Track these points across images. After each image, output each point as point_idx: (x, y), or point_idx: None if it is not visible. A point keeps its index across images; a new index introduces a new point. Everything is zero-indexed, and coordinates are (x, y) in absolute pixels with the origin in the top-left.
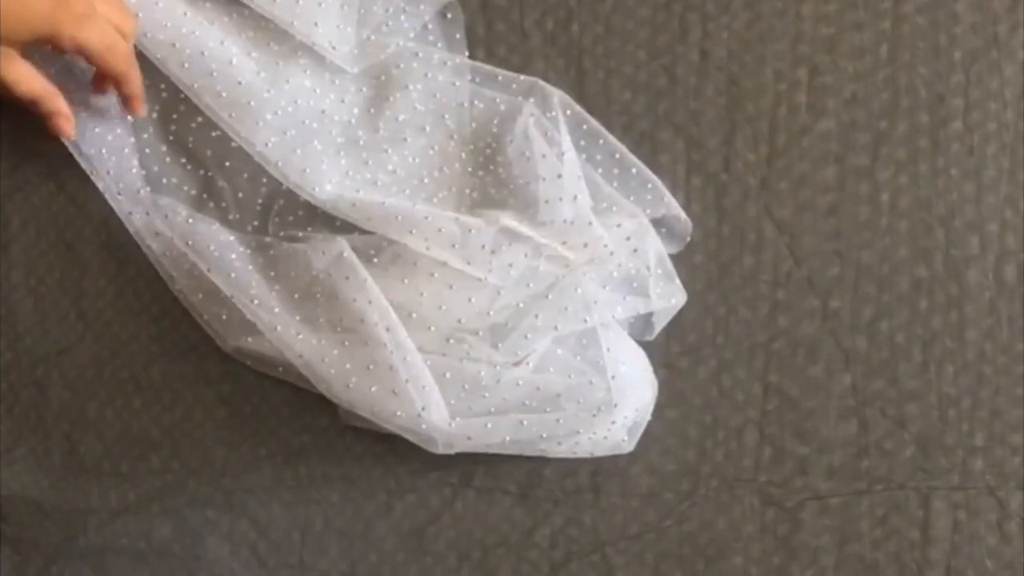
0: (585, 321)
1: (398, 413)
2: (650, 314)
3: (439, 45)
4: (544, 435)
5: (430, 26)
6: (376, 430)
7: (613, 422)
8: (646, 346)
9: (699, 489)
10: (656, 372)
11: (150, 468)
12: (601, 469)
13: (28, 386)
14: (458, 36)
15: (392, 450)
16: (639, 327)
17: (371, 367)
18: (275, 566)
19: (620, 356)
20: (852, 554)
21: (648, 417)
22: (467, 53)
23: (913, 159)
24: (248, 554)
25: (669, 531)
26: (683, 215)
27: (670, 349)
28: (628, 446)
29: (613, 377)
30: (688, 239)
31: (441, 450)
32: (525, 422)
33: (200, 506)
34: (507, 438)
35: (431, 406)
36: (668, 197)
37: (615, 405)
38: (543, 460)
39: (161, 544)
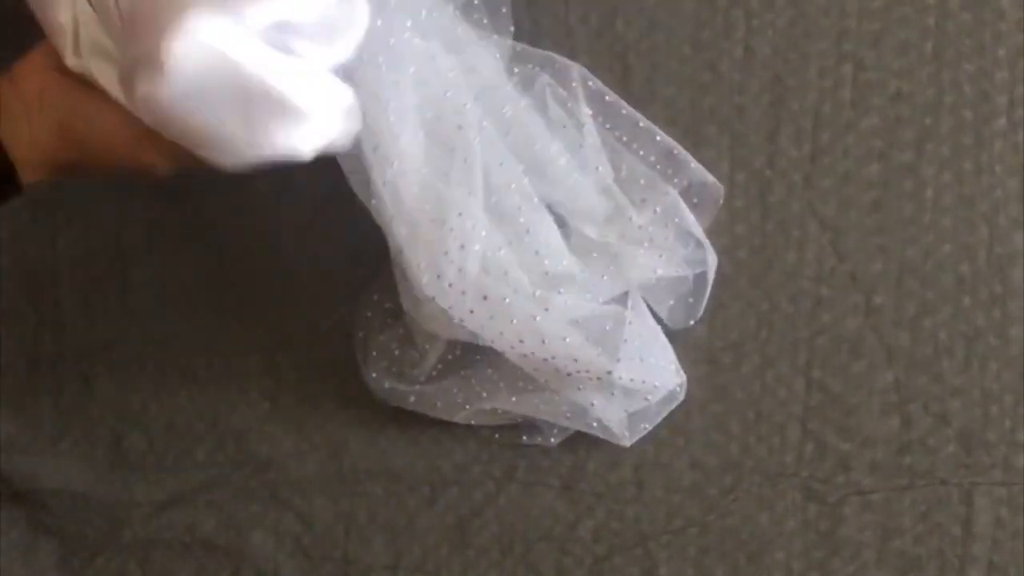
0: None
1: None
2: (690, 295)
3: (484, 22)
4: (534, 360)
5: (475, 1)
6: (420, 421)
7: (609, 372)
8: (690, 339)
9: (742, 484)
10: (699, 367)
11: (195, 462)
12: (644, 463)
13: (74, 380)
14: (504, 11)
15: (436, 444)
16: (682, 312)
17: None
18: (319, 559)
19: (639, 331)
20: (894, 549)
21: (660, 414)
22: (512, 27)
23: (957, 156)
24: (293, 547)
25: (712, 525)
26: (711, 179)
27: (713, 344)
28: (627, 435)
29: (625, 340)
30: (720, 202)
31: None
32: (524, 340)
33: (245, 499)
34: (502, 332)
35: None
36: (694, 164)
37: (618, 360)
38: (586, 454)
39: (206, 537)
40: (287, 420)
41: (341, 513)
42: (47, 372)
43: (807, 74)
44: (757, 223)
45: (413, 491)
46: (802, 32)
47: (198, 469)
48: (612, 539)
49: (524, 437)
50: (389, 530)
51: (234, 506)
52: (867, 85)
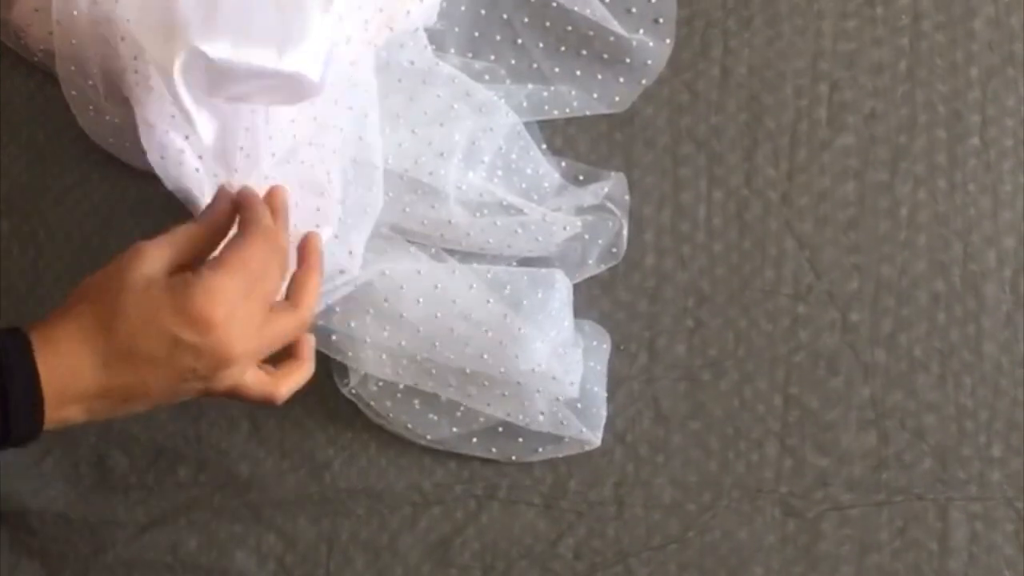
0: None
1: None
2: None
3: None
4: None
5: None
6: (400, 440)
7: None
8: (669, 357)
9: (721, 500)
10: (678, 384)
11: (177, 481)
12: (624, 481)
13: None
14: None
15: (417, 463)
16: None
17: None
18: None
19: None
20: (872, 564)
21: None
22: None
23: (931, 174)
24: (275, 566)
25: (691, 542)
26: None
27: (692, 362)
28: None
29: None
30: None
31: None
32: (457, 271)
33: (227, 519)
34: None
35: None
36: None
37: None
38: (567, 472)
39: (188, 557)
40: (268, 440)
41: (323, 533)
42: None
43: (783, 94)
44: (735, 241)
45: (395, 510)
46: (778, 52)
47: (180, 489)
48: (593, 557)
49: (493, 449)
50: (371, 549)
51: (216, 526)
52: (842, 104)
